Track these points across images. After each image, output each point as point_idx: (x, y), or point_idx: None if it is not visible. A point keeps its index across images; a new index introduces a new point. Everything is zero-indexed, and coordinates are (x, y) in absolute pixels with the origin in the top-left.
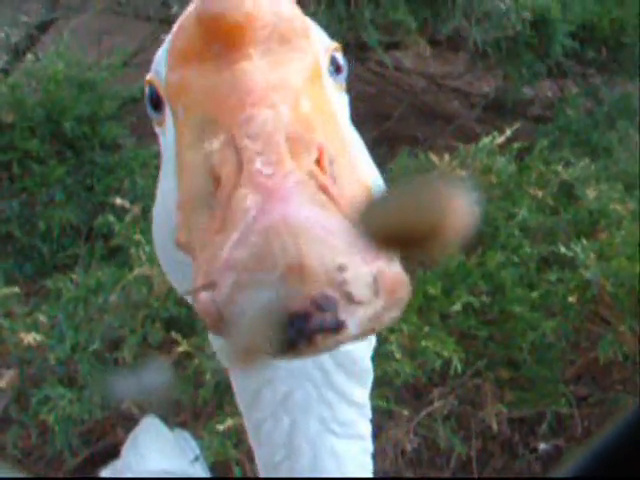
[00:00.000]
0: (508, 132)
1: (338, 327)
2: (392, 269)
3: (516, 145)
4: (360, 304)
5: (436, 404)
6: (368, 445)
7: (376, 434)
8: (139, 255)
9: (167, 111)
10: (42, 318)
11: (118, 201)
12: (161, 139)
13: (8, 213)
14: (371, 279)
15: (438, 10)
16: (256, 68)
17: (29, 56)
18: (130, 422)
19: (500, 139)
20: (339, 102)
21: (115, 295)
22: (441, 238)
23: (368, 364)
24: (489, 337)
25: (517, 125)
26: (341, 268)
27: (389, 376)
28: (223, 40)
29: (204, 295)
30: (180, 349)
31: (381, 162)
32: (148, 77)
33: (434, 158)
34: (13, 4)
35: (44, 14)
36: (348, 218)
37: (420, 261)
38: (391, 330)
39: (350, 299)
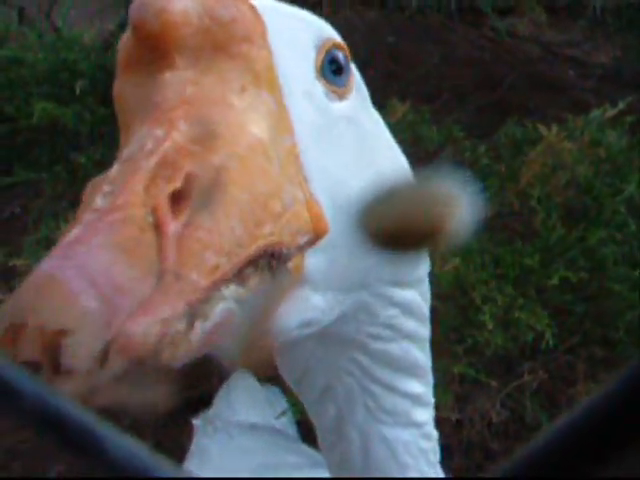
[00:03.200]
0: (621, 105)
1: None
2: (138, 332)
3: (629, 119)
4: (70, 375)
5: (526, 378)
6: (428, 430)
7: (463, 403)
8: None
9: None
10: None
11: None
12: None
13: None
14: (100, 346)
15: None
16: (176, 79)
17: None
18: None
19: (612, 112)
20: (316, 110)
21: None
22: (441, 236)
23: (417, 358)
24: (585, 314)
25: (630, 98)
26: (62, 332)
27: (480, 346)
28: (150, 48)
29: None
30: None
31: (489, 130)
32: None
33: (541, 128)
34: None
35: None
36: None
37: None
38: (485, 300)
39: (56, 369)
